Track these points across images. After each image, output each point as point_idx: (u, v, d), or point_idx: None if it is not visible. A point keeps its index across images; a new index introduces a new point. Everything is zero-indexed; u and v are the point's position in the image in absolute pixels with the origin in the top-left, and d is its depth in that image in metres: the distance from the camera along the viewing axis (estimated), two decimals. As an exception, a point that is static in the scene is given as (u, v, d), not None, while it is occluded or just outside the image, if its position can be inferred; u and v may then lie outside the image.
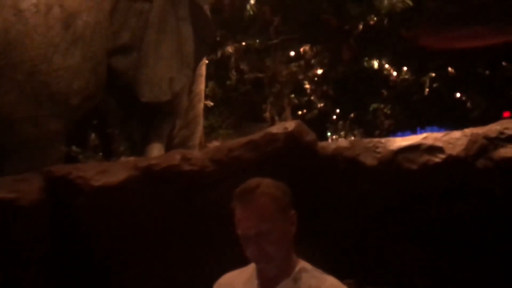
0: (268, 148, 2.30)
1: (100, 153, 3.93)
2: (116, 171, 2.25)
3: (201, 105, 4.15)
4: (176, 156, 2.25)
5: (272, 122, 9.06)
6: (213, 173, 2.25)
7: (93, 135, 4.39)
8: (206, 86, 7.80)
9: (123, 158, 3.31)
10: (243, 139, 2.34)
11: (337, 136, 11.79)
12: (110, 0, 3.62)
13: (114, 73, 3.61)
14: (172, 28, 3.67)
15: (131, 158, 3.00)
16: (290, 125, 2.39)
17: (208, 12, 3.92)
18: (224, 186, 1.91)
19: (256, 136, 2.32)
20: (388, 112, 11.35)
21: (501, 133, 2.44)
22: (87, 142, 4.01)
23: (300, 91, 9.33)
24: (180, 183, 2.24)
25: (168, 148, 3.71)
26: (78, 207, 2.26)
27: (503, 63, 10.64)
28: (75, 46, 3.32)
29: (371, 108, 11.20)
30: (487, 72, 10.74)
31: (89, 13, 3.49)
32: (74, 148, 3.66)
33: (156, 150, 3.48)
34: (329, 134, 12.10)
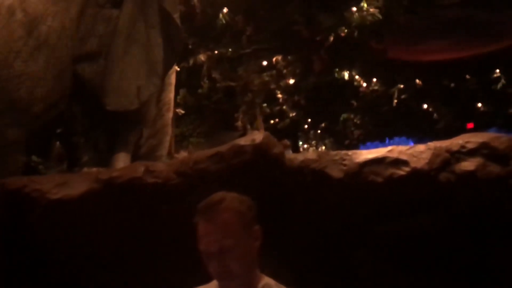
0: (235, 160, 2.27)
1: (64, 164, 3.79)
2: (75, 184, 2.16)
3: (170, 114, 4.09)
4: (139, 168, 2.18)
5: (244, 131, 9.06)
6: (177, 186, 2.20)
7: (57, 144, 4.25)
8: (178, 94, 7.74)
9: (86, 169, 3.20)
10: (209, 151, 2.30)
11: (308, 145, 11.91)
12: (77, 5, 3.52)
13: (80, 80, 3.51)
14: (141, 36, 3.61)
15: (94, 169, 2.90)
16: (258, 137, 2.37)
17: (178, 21, 3.87)
18: (189, 199, 1.86)
19: (222, 148, 2.28)
20: (358, 122, 11.60)
21: (463, 146, 2.50)
22: (50, 152, 3.87)
23: (272, 100, 9.38)
24: (143, 196, 2.17)
25: (135, 157, 3.63)
26: (34, 221, 2.16)
27: (467, 76, 11.05)
28: (38, 52, 3.21)
29: (341, 118, 11.42)
30: (452, 84, 11.13)
31: (55, 18, 3.39)
32: (34, 158, 3.52)
33: (121, 160, 3.39)
34: (300, 143, 12.24)
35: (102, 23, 3.56)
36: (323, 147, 12.09)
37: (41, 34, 3.24)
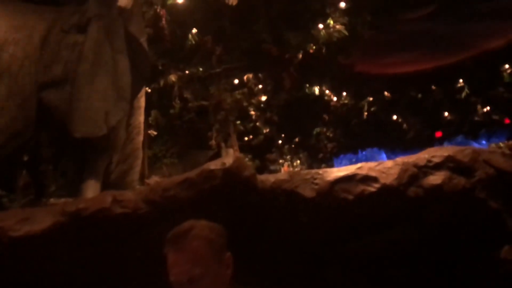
0: (206, 185, 2.24)
1: (28, 196, 3.67)
2: (40, 218, 2.08)
3: (140, 138, 4.02)
4: (107, 198, 2.12)
5: (218, 149, 9.04)
6: (147, 215, 2.15)
7: (24, 172, 4.11)
8: (149, 115, 7.66)
9: (52, 200, 3.09)
10: (178, 177, 2.26)
11: (283, 160, 11.98)
12: (40, 32, 3.46)
13: (45, 108, 3.42)
14: (108, 61, 3.55)
15: (60, 201, 2.81)
16: (228, 160, 2.35)
17: (145, 44, 3.85)
18: (159, 228, 1.82)
19: (192, 173, 2.25)
20: (331, 135, 11.78)
21: (429, 161, 2.56)
22: (15, 182, 3.74)
23: (245, 117, 9.42)
24: (112, 227, 2.10)
25: (105, 184, 3.54)
26: (-3, 258, 2.06)
27: (433, 87, 11.43)
28: (0, 81, 3.12)
29: (314, 132, 11.57)
30: (419, 95, 11.48)
31: (16, 46, 3.32)
32: (-3, 190, 3.39)
33: (91, 188, 3.30)
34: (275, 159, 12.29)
35: (67, 49, 3.49)
36: (298, 161, 12.20)
37: (2, 63, 3.15)
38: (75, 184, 3.48)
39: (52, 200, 3.15)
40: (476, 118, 11.70)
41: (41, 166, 3.95)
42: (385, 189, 2.50)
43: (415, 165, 2.56)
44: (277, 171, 10.63)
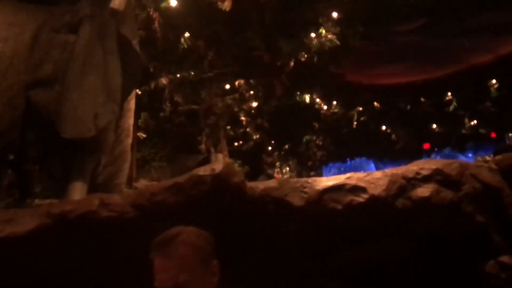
0: (194, 191, 2.21)
1: (13, 196, 3.60)
2: (24, 220, 2.03)
3: (129, 140, 3.98)
4: (93, 201, 2.08)
5: (208, 154, 9.02)
6: (134, 219, 2.11)
7: (9, 172, 4.04)
8: (139, 118, 7.61)
9: (37, 201, 3.04)
10: (166, 182, 2.23)
11: (265, 167, 11.97)
12: (31, 30, 3.41)
13: (33, 107, 3.36)
14: (99, 62, 3.51)
15: (45, 202, 2.76)
16: (218, 166, 2.33)
17: (137, 47, 3.82)
18: (146, 233, 1.79)
19: (180, 178, 2.22)
20: (320, 143, 11.86)
21: (418, 173, 2.57)
22: (1, 181, 3.66)
23: (236, 123, 9.43)
24: (98, 230, 2.07)
25: (93, 186, 3.49)
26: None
27: (422, 99, 11.59)
28: (-13, 79, 3.07)
29: (304, 140, 11.63)
30: (408, 107, 11.62)
31: (6, 44, 3.27)
32: (-20, 190, 3.32)
33: (77, 190, 3.25)
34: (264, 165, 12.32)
35: (58, 49, 3.45)
36: (287, 168, 12.24)
37: (-10, 60, 3.10)
38: (61, 185, 3.42)
39: (37, 201, 3.09)
40: (464, 131, 11.88)
41: (27, 165, 3.88)
42: (374, 200, 2.50)
43: (404, 177, 2.57)
44: (272, 175, 10.66)
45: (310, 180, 2.63)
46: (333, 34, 6.70)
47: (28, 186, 3.91)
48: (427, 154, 12.86)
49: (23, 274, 2.17)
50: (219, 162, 2.56)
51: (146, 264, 1.64)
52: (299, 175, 11.82)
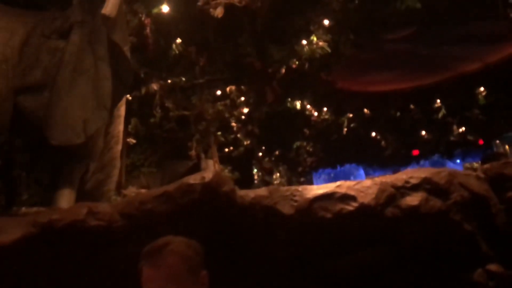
0: (184, 200, 2.20)
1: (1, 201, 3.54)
2: (9, 229, 1.99)
3: (119, 147, 3.95)
4: (81, 210, 2.05)
5: (198, 160, 8.98)
6: (122, 228, 2.09)
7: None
8: (129, 123, 7.57)
9: (24, 209, 2.99)
10: (155, 191, 2.22)
11: (262, 173, 11.99)
12: (20, 35, 3.39)
13: (21, 113, 3.33)
14: (89, 68, 3.49)
15: (33, 210, 2.72)
16: (208, 175, 2.33)
17: (128, 53, 3.81)
18: (135, 242, 1.78)
19: (170, 187, 2.21)
20: (310, 149, 11.89)
21: (407, 182, 2.60)
22: (-14, 188, 3.62)
23: (226, 129, 9.42)
24: (86, 239, 2.04)
25: (81, 193, 3.46)
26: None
27: (411, 106, 11.70)
28: (-26, 83, 3.03)
29: (294, 146, 11.66)
30: (398, 113, 11.72)
31: (-6, 48, 3.24)
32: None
33: (65, 197, 3.21)
34: (255, 170, 12.32)
35: (48, 54, 3.42)
36: (277, 174, 12.25)
37: (-22, 65, 3.07)
38: (49, 192, 3.38)
39: (23, 209, 3.04)
40: (452, 138, 12.01)
41: (14, 172, 3.83)
42: (363, 209, 2.51)
43: (393, 186, 2.59)
44: (271, 181, 10.65)
45: (300, 188, 2.64)
46: (324, 41, 6.75)
47: (15, 193, 3.86)
48: (416, 160, 12.98)
49: (9, 284, 2.13)
50: (209, 170, 2.55)
51: (134, 273, 1.62)
52: (289, 181, 11.84)
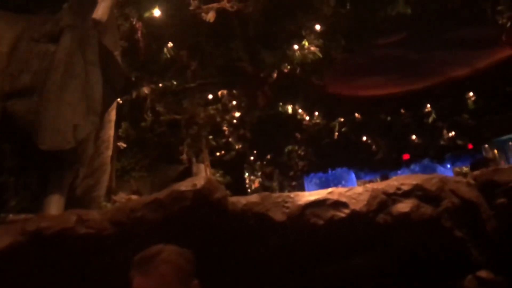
0: (175, 207, 2.18)
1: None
2: (-3, 237, 1.95)
3: (109, 152, 3.91)
4: (71, 218, 2.01)
5: (189, 164, 8.94)
6: (112, 236, 2.06)
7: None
8: (120, 127, 7.51)
9: (11, 216, 2.94)
10: (146, 198, 2.19)
11: (254, 177, 11.98)
12: (9, 39, 3.34)
13: (10, 117, 3.28)
14: (79, 72, 3.44)
15: (21, 217, 2.67)
16: (199, 181, 2.31)
17: (119, 58, 3.78)
18: (125, 250, 1.75)
19: (161, 194, 2.19)
20: (302, 153, 11.91)
21: (398, 188, 2.60)
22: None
23: (218, 133, 9.39)
24: (75, 248, 2.00)
25: (70, 199, 3.41)
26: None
27: (402, 111, 11.79)
28: (-39, 88, 2.98)
29: (286, 150, 11.67)
30: (388, 118, 11.80)
31: (-17, 53, 3.19)
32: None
33: (55, 203, 3.16)
34: (246, 174, 12.30)
35: (37, 58, 3.37)
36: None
37: (-34, 70, 3.02)
38: (38, 198, 3.33)
39: (11, 216, 2.98)
40: (442, 142, 12.11)
41: (2, 177, 3.76)
42: (355, 215, 2.52)
43: (385, 192, 2.60)
44: (272, 187, 10.63)
45: (292, 195, 2.63)
46: (316, 46, 6.78)
47: (3, 199, 3.79)
48: (407, 164, 13.06)
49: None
50: (200, 177, 2.53)
51: (125, 282, 1.60)
52: (281, 185, 11.84)
